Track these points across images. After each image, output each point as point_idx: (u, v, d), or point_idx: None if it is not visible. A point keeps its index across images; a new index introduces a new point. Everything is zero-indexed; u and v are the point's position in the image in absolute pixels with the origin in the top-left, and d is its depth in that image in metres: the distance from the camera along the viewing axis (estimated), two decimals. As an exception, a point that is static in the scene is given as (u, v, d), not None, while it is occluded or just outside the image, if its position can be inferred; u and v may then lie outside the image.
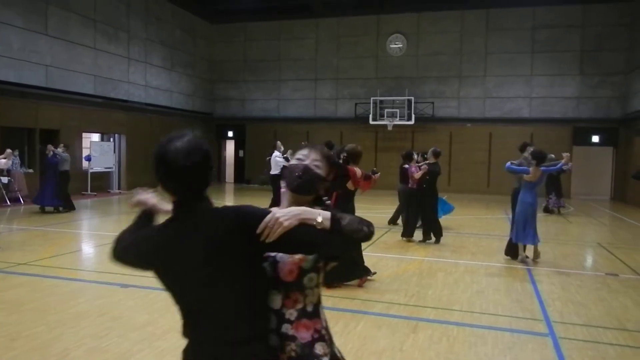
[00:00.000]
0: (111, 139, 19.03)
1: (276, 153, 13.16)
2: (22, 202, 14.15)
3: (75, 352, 4.10)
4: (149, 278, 6.27)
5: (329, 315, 5.14)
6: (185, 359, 1.81)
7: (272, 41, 24.03)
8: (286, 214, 1.65)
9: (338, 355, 1.89)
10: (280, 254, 1.81)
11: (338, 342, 4.46)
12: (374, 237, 6.80)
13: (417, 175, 9.39)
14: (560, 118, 20.54)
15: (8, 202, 13.81)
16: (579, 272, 7.53)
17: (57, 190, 12.60)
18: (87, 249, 9.03)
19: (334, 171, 2.05)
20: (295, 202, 1.91)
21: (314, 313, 1.85)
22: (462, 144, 21.31)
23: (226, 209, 1.76)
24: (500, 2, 20.84)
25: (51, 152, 12.79)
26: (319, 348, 1.82)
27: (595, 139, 20.20)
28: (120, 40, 18.86)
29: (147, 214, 2.13)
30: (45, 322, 4.79)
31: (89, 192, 17.07)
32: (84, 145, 17.57)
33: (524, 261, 7.84)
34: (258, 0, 22.07)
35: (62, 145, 13.38)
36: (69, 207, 13.06)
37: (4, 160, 8.37)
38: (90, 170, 17.30)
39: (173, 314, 5.49)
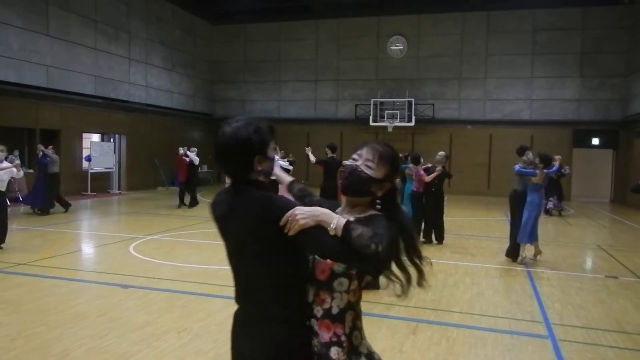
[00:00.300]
0: (111, 140, 19.03)
1: (275, 157, 13.13)
2: (22, 202, 14.14)
3: (74, 353, 4.10)
4: (148, 279, 6.27)
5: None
6: (234, 320, 2.09)
7: (272, 42, 24.05)
8: (305, 212, 1.70)
9: None
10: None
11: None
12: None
13: (429, 178, 9.40)
14: (560, 120, 20.55)
15: (8, 202, 13.77)
16: (578, 274, 7.53)
17: (45, 192, 12.49)
18: (87, 249, 9.02)
19: (391, 172, 1.92)
20: (349, 204, 1.95)
21: (338, 317, 1.85)
22: (463, 146, 21.31)
23: (262, 197, 1.83)
24: (501, 5, 20.87)
25: (41, 153, 12.72)
26: (334, 352, 1.83)
27: (596, 141, 20.20)
28: (120, 40, 18.87)
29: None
30: (45, 322, 4.78)
31: (89, 193, 17.06)
32: (84, 145, 17.57)
33: (524, 262, 7.88)
34: (258, 1, 22.08)
35: (51, 147, 13.28)
36: (65, 207, 12.98)
37: (14, 170, 8.42)
38: (91, 171, 17.30)
39: (172, 314, 5.50)
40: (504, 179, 18.26)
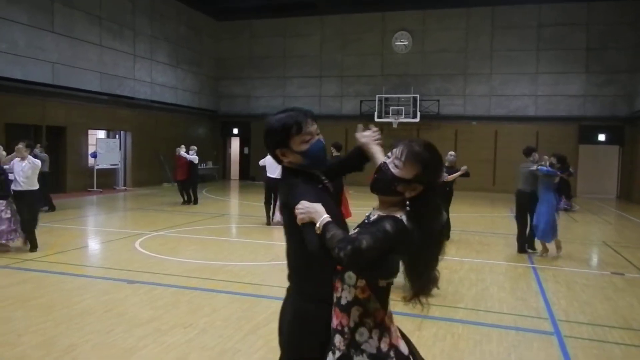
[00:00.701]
0: (117, 136, 19.09)
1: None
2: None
3: (81, 348, 4.12)
4: (154, 274, 6.30)
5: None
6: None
7: (277, 38, 24.02)
8: (303, 208, 1.83)
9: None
10: None
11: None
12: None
13: (451, 177, 9.47)
14: (565, 116, 20.44)
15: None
16: (584, 270, 7.51)
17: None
18: (93, 245, 9.07)
19: (423, 174, 1.84)
20: (379, 201, 1.98)
21: (345, 308, 1.90)
22: (468, 142, 21.22)
23: (286, 186, 2.05)
24: (506, 0, 20.75)
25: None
26: (337, 339, 1.91)
27: (601, 137, 20.09)
28: (125, 37, 18.90)
29: (359, 149, 2.50)
30: (52, 317, 4.81)
31: (95, 189, 17.14)
32: (89, 142, 17.64)
33: (543, 255, 8.26)
34: (263, -2, 22.06)
35: (39, 145, 13.14)
36: (50, 208, 12.50)
37: (38, 162, 8.06)
38: (96, 167, 17.36)
39: (178, 309, 5.53)
40: (509, 175, 18.17)
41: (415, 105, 21.22)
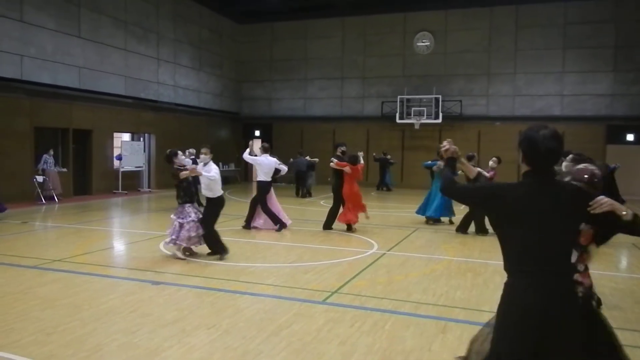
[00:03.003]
0: (141, 139, 19.38)
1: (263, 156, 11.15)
2: (56, 200, 14.54)
3: (107, 347, 4.19)
4: (178, 275, 6.35)
5: (357, 314, 5.10)
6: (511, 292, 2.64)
7: (299, 40, 24.10)
8: (608, 200, 2.39)
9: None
10: (583, 224, 2.73)
11: (365, 341, 4.45)
12: (400, 237, 6.73)
13: (490, 175, 10.04)
14: (593, 116, 20.02)
15: (43, 200, 14.21)
16: (613, 273, 7.33)
17: None
18: (119, 246, 9.21)
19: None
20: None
21: (586, 269, 2.92)
22: (491, 143, 20.93)
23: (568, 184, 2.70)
24: (531, -2, 20.47)
25: None
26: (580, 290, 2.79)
27: (630, 137, 19.62)
28: (150, 41, 19.20)
29: (451, 160, 2.97)
30: (79, 317, 4.90)
31: (120, 191, 17.43)
32: (115, 144, 17.96)
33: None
34: (284, 0, 22.15)
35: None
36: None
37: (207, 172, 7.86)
38: (121, 170, 17.66)
39: (202, 310, 5.57)
40: (534, 176, 17.89)
41: (437, 106, 21.06)
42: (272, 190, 10.72)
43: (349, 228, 10.43)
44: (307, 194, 17.79)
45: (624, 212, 2.34)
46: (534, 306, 2.38)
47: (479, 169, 9.97)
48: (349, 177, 10.27)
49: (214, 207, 7.80)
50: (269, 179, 10.64)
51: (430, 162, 11.76)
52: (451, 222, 11.58)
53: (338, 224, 10.54)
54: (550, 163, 2.42)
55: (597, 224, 2.55)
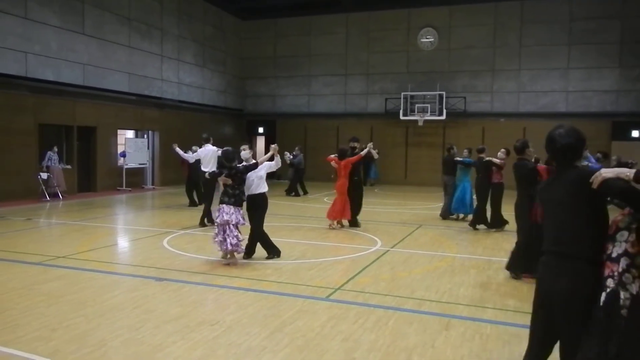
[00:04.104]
0: (145, 136, 19.41)
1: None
2: (60, 197, 14.59)
3: (111, 343, 4.20)
4: (181, 272, 6.37)
5: (360, 311, 5.10)
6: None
7: (302, 37, 24.06)
8: (603, 171, 2.46)
9: (622, 297, 2.43)
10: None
11: (369, 337, 4.45)
12: (404, 233, 6.73)
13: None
14: (598, 112, 19.91)
15: (47, 197, 14.26)
16: (617, 270, 7.29)
17: None
18: (123, 243, 9.24)
19: None
20: None
21: (615, 259, 2.47)
22: (495, 140, 20.76)
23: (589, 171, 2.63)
24: (536, -6, 20.35)
25: None
26: (608, 282, 2.46)
27: (635, 133, 19.50)
28: (153, 38, 19.20)
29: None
30: (84, 313, 4.92)
31: (124, 188, 17.47)
32: (119, 141, 17.99)
33: None
34: (288, -4, 22.12)
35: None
36: None
37: (273, 164, 7.32)
38: (125, 167, 17.70)
39: (205, 307, 5.59)
40: (539, 172, 17.83)
41: (441, 103, 21.00)
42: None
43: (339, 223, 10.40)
44: (291, 191, 17.02)
45: (627, 174, 2.38)
46: (541, 282, 2.79)
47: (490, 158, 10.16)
48: (340, 172, 10.28)
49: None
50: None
51: (465, 159, 11.74)
52: (461, 219, 11.61)
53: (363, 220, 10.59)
54: (567, 156, 2.72)
55: (607, 198, 2.58)
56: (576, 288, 2.57)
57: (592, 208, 2.58)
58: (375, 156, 10.34)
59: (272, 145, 7.59)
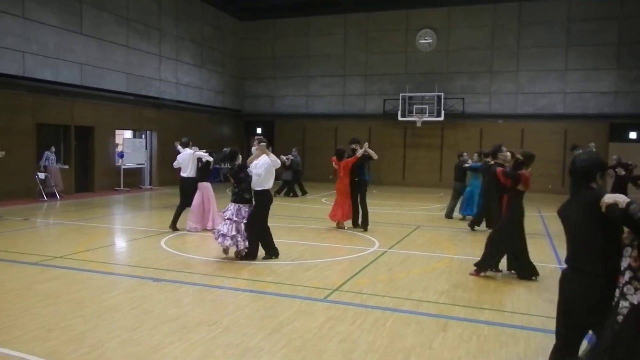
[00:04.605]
0: (143, 136, 19.39)
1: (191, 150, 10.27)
2: (58, 197, 14.56)
3: (109, 344, 4.20)
4: (179, 272, 6.36)
5: (358, 312, 5.10)
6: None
7: (301, 37, 24.05)
8: (608, 195, 2.68)
9: (621, 305, 2.63)
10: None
11: (366, 338, 4.45)
12: (402, 234, 6.73)
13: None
14: (596, 114, 19.95)
15: (45, 197, 14.23)
16: (615, 272, 7.31)
17: None
18: (120, 243, 9.23)
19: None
20: None
21: (622, 272, 2.67)
22: (493, 141, 20.69)
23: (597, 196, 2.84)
24: (534, -5, 20.38)
25: None
26: (617, 292, 2.70)
27: (633, 135, 19.53)
28: (151, 38, 19.18)
29: None
30: (81, 314, 4.92)
31: (122, 188, 17.45)
32: (116, 141, 17.97)
33: None
34: (286, -3, 22.11)
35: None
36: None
37: (278, 161, 7.49)
38: (123, 167, 17.67)
39: (203, 307, 5.58)
40: (537, 174, 17.75)
41: (439, 104, 21.01)
42: (205, 188, 9.86)
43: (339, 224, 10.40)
44: (289, 192, 16.89)
45: (622, 202, 2.58)
46: (562, 291, 3.06)
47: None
48: (340, 173, 10.30)
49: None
50: (192, 175, 9.88)
51: (472, 164, 11.85)
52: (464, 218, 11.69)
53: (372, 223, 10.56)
54: (582, 177, 3.00)
55: (617, 223, 2.75)
56: (586, 298, 2.88)
57: (605, 227, 2.80)
58: (374, 157, 10.26)
59: (254, 148, 7.79)
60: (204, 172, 10.12)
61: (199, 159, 9.99)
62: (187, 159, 9.96)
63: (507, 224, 6.71)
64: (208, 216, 9.82)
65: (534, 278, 6.58)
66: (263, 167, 7.40)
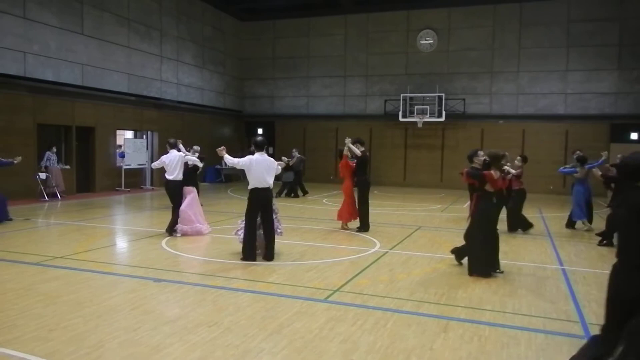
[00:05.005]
0: (144, 136, 19.40)
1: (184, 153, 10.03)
2: (59, 197, 14.57)
3: (109, 344, 4.19)
4: (179, 273, 6.36)
5: (358, 312, 5.08)
6: None
7: (301, 38, 24.06)
8: None
9: None
10: None
11: (367, 339, 4.44)
12: (403, 235, 6.72)
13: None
14: (597, 114, 19.94)
15: (46, 197, 14.24)
16: None
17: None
18: (121, 243, 9.22)
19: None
20: None
21: None
22: (494, 142, 20.81)
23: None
24: (535, -4, 20.37)
25: None
26: None
27: (634, 136, 19.51)
28: (152, 38, 19.19)
29: None
30: (81, 314, 4.91)
31: (123, 188, 17.45)
32: (117, 142, 17.97)
33: (590, 229, 10.73)
34: (287, -3, 22.13)
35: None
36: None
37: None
38: (124, 167, 17.68)
39: (203, 308, 5.57)
40: (537, 174, 17.83)
41: (440, 104, 21.00)
42: (191, 192, 9.73)
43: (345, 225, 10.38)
44: (290, 192, 16.89)
45: None
46: (610, 283, 3.33)
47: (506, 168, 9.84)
48: (341, 173, 10.30)
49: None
50: (179, 178, 9.54)
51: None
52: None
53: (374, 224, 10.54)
54: (630, 177, 3.27)
55: None
56: (631, 289, 3.14)
57: None
58: (357, 152, 9.89)
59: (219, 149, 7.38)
60: (192, 176, 9.90)
61: (186, 162, 9.67)
62: (176, 161, 9.52)
63: (473, 222, 7.08)
64: (199, 219, 9.66)
65: (494, 272, 6.80)
66: (240, 166, 7.45)
